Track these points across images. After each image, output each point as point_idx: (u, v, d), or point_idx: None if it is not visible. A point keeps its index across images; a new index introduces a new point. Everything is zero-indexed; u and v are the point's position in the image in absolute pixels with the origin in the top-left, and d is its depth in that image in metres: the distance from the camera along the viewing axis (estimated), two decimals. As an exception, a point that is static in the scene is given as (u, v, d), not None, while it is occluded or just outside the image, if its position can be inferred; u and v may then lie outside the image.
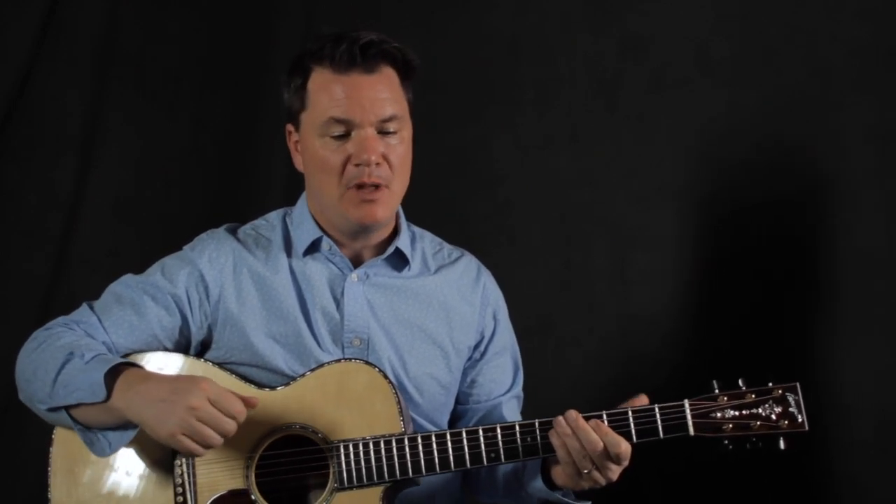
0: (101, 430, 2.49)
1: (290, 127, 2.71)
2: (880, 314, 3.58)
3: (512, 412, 2.81)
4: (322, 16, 3.91)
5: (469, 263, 2.84)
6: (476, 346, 2.80)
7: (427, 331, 2.71)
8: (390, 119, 2.59)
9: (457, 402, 2.81)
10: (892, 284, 3.57)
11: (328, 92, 2.59)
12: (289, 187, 3.78)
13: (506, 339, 2.85)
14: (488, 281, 2.84)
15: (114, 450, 2.49)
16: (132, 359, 2.59)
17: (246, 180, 3.94)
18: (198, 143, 3.98)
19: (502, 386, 2.82)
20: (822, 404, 3.46)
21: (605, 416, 2.44)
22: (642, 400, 2.49)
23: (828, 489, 3.57)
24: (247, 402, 2.42)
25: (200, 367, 2.60)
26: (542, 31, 3.88)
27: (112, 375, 2.43)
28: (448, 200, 3.83)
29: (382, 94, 2.59)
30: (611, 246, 3.82)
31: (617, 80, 3.84)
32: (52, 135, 3.92)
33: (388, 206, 2.62)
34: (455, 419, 2.81)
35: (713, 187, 3.77)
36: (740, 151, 3.74)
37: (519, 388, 2.86)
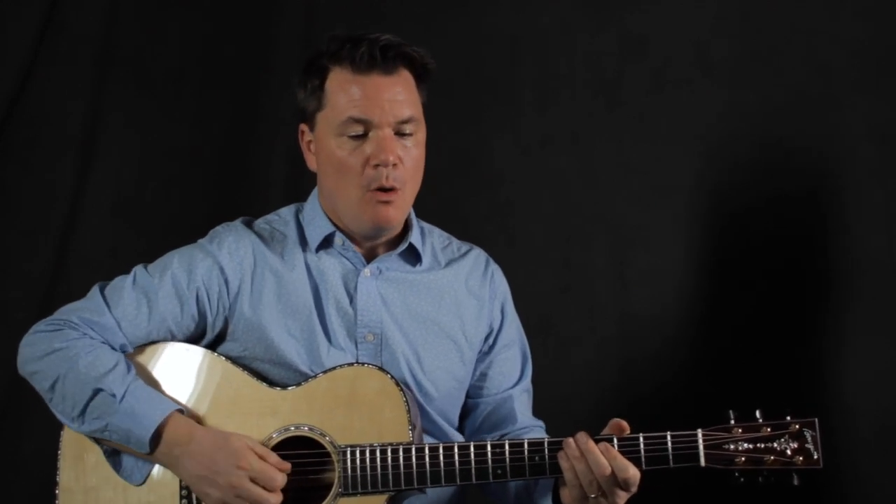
0: (130, 456, 2.56)
1: (303, 127, 2.71)
2: (881, 314, 3.59)
3: (523, 407, 2.81)
4: (322, 16, 3.90)
5: (478, 257, 2.85)
6: (485, 339, 2.81)
7: (440, 325, 2.72)
8: (408, 121, 2.60)
9: (467, 396, 2.81)
10: (892, 284, 3.58)
11: (347, 92, 2.59)
12: (289, 187, 3.79)
13: (514, 332, 2.85)
14: (496, 273, 2.86)
15: (144, 478, 2.56)
16: (147, 350, 2.62)
17: (246, 180, 3.93)
18: (198, 143, 3.96)
19: (511, 378, 2.82)
20: (825, 405, 3.48)
21: (615, 441, 2.42)
22: (621, 425, 2.46)
23: (831, 490, 3.57)
24: (280, 470, 2.49)
25: (216, 364, 2.60)
26: (542, 31, 3.88)
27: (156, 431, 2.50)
28: (449, 200, 3.82)
29: (400, 96, 2.60)
30: (611, 246, 3.82)
31: (617, 80, 3.84)
32: (52, 135, 3.90)
33: (401, 208, 2.63)
34: (465, 413, 2.81)
35: (713, 187, 3.77)
36: (740, 151, 3.74)
37: (528, 381, 2.85)
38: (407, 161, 2.60)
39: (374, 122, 2.57)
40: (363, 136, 2.58)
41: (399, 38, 2.63)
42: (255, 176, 3.92)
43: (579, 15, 3.86)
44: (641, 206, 3.80)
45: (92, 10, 3.93)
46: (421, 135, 2.66)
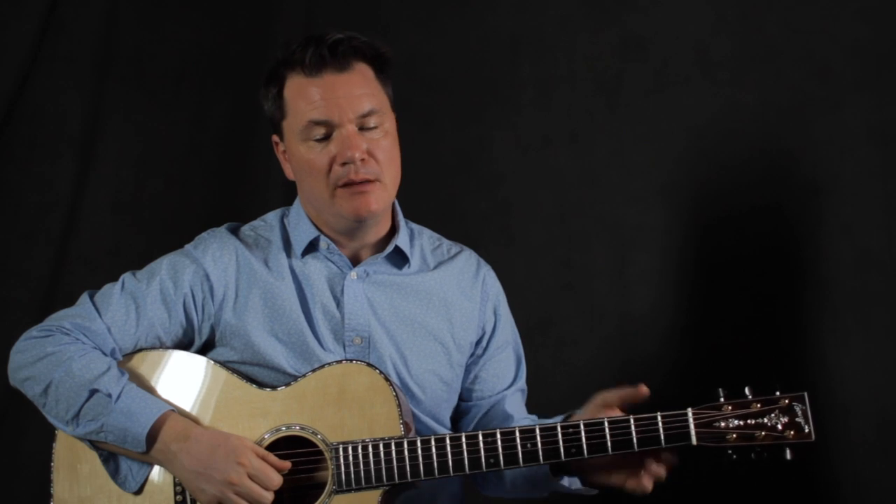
0: (125, 461, 2.56)
1: (275, 138, 2.72)
2: (880, 314, 3.58)
3: (516, 406, 2.81)
4: (322, 16, 3.91)
5: (469, 258, 2.83)
6: (478, 342, 2.80)
7: (428, 327, 2.71)
8: (369, 114, 2.59)
9: (460, 398, 2.80)
10: (891, 284, 3.57)
11: (304, 96, 2.60)
12: (289, 187, 3.76)
13: (507, 334, 2.84)
14: (488, 275, 2.84)
15: (139, 485, 2.56)
16: (137, 357, 2.62)
17: (246, 180, 3.94)
18: (198, 143, 3.98)
19: (505, 380, 2.81)
20: (822, 404, 3.46)
21: (606, 423, 2.43)
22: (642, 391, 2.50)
23: (829, 489, 3.57)
24: (280, 469, 2.49)
25: (206, 367, 2.60)
26: (542, 31, 3.88)
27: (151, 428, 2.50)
28: (448, 200, 3.83)
29: (358, 91, 2.60)
30: (611, 246, 3.81)
31: (617, 79, 3.84)
32: (52, 135, 3.92)
33: (381, 198, 2.61)
34: (459, 416, 2.81)
35: (713, 187, 3.77)
36: (740, 151, 3.74)
37: (522, 382, 2.85)
38: (378, 153, 2.60)
39: (334, 121, 2.57)
40: (327, 138, 2.59)
41: (351, 32, 2.63)
42: (255, 176, 3.92)
43: (579, 15, 3.86)
44: (641, 206, 3.80)
45: (92, 10, 3.95)
46: (388, 124, 2.65)
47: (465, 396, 2.81)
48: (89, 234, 3.93)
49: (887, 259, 3.58)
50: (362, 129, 2.59)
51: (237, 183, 3.95)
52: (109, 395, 2.49)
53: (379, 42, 2.66)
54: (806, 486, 3.52)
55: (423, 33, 3.89)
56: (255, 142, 3.90)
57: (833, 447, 3.52)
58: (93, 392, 2.49)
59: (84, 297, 2.66)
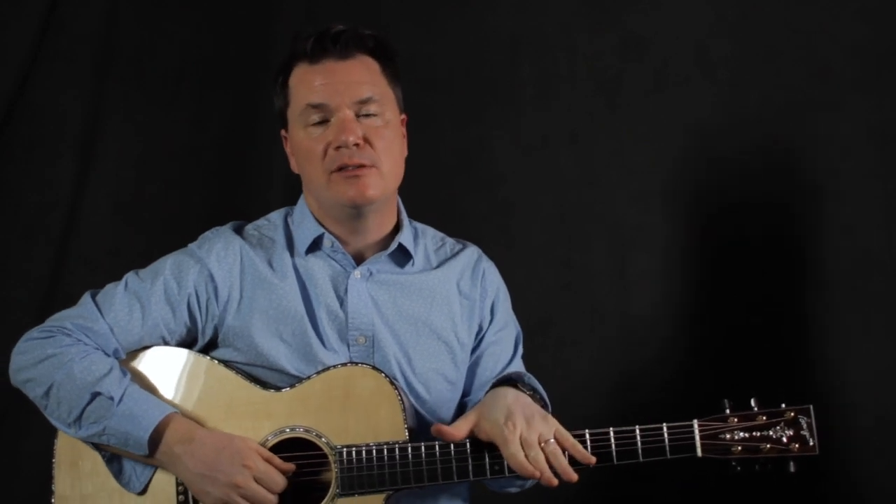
0: (129, 462, 2.56)
1: (283, 132, 2.73)
2: (880, 314, 3.59)
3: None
4: (322, 16, 3.89)
5: (471, 255, 2.82)
6: (475, 336, 2.78)
7: (432, 326, 2.70)
8: (367, 101, 2.60)
9: (462, 394, 2.78)
10: (891, 284, 3.58)
11: (305, 83, 2.61)
12: (289, 187, 3.76)
13: (501, 326, 2.81)
14: (487, 271, 2.82)
15: (143, 486, 2.55)
16: (141, 355, 2.61)
17: (246, 180, 3.94)
18: (198, 143, 3.97)
19: (499, 366, 2.79)
20: (822, 404, 3.47)
21: (612, 433, 2.44)
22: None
23: (829, 489, 3.57)
24: (284, 472, 2.49)
25: (210, 367, 2.60)
26: (542, 31, 3.88)
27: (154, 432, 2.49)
28: (448, 200, 3.83)
29: (357, 78, 2.60)
30: (611, 246, 3.82)
31: (617, 79, 3.84)
32: (52, 135, 3.91)
33: (377, 184, 2.60)
34: (461, 411, 2.75)
35: (713, 187, 3.77)
36: (740, 151, 3.74)
37: (518, 360, 2.82)
38: (376, 141, 2.59)
39: (331, 105, 2.58)
40: (325, 123, 2.59)
41: (358, 26, 2.64)
42: (255, 176, 3.93)
43: (579, 15, 3.87)
44: (641, 206, 3.80)
45: (92, 10, 3.94)
46: (390, 115, 2.64)
47: (463, 392, 2.78)
48: (89, 234, 3.92)
49: (887, 259, 3.59)
50: (360, 116, 2.59)
51: (237, 183, 3.95)
52: (111, 398, 2.48)
53: (385, 36, 2.67)
54: (805, 486, 3.51)
55: (423, 33, 3.89)
56: (255, 142, 3.92)
57: (833, 447, 3.51)
58: (95, 395, 2.49)
59: (86, 297, 2.65)
